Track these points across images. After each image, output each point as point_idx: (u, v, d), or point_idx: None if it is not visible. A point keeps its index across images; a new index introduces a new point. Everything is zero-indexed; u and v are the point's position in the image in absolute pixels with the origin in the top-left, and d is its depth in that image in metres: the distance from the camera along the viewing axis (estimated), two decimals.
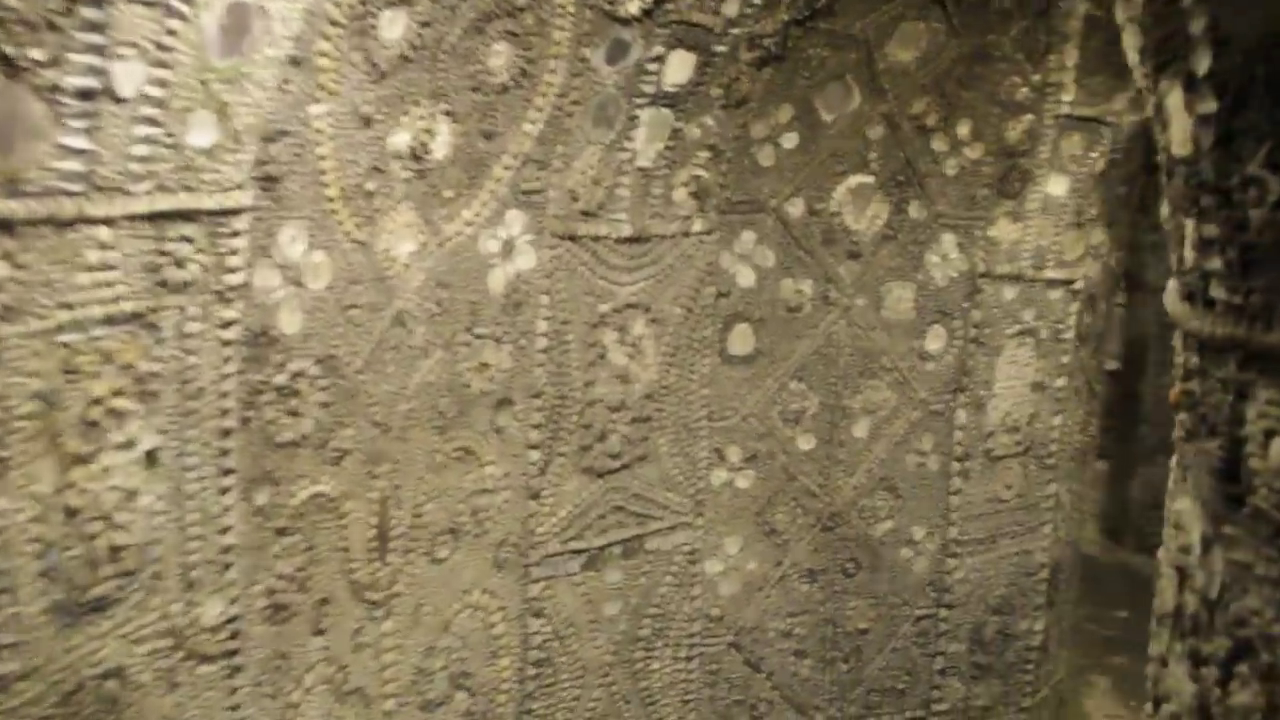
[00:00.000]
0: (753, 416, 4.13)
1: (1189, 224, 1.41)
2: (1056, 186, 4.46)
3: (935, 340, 4.38)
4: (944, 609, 4.63)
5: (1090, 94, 4.25)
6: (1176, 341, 1.54)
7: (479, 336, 3.25)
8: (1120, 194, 4.86)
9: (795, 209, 4.00)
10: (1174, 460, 1.61)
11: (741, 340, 4.08)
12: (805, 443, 4.24)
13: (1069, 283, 4.71)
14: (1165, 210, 1.54)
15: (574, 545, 3.63)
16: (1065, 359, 4.82)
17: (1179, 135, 1.38)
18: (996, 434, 4.62)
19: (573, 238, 3.40)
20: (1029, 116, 4.18)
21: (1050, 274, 4.60)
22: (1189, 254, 1.42)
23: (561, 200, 3.31)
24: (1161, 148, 1.47)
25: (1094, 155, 4.44)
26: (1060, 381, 4.82)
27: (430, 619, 3.19)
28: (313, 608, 2.70)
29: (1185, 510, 1.51)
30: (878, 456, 4.35)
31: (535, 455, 3.46)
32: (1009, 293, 4.51)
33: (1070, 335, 4.82)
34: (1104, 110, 4.34)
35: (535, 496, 3.47)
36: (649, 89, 3.33)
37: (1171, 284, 1.53)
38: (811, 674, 4.41)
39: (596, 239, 3.48)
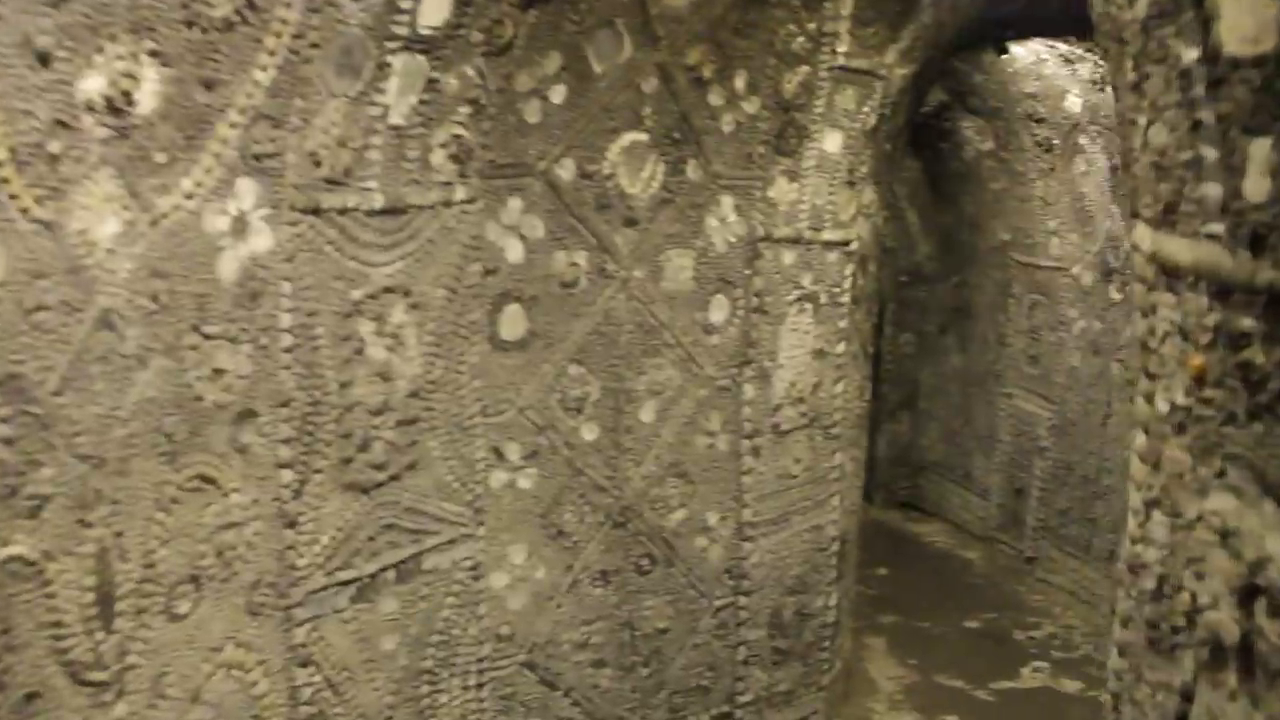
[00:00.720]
0: (531, 408, 3.67)
1: (1257, 145, 1.07)
2: (831, 143, 4.22)
3: (718, 311, 4.05)
4: (742, 596, 4.34)
5: (863, 46, 4.02)
6: (1191, 301, 1.20)
7: (209, 337, 2.63)
8: (886, 151, 4.70)
9: (566, 172, 3.56)
10: (1175, 447, 1.27)
11: (513, 323, 3.60)
12: (589, 432, 3.82)
13: (845, 244, 4.50)
14: (1171, 138, 1.19)
15: (342, 576, 3.06)
16: (843, 324, 4.62)
17: (1243, 28, 1.04)
18: (783, 407, 4.36)
19: (316, 211, 2.82)
20: (805, 68, 3.90)
21: (827, 235, 4.38)
22: (1258, 184, 1.08)
23: (302, 166, 2.73)
24: (1200, 54, 1.12)
25: (866, 110, 4.23)
26: (840, 347, 4.62)
27: (175, 690, 2.56)
28: (15, 709, 2.05)
29: (1237, 511, 1.18)
30: (666, 441, 3.99)
31: (288, 475, 2.87)
32: (788, 257, 4.25)
33: (847, 299, 4.62)
34: (877, 63, 4.12)
35: (292, 524, 2.88)
36: (401, 31, 2.79)
37: (1203, 227, 1.19)
38: (612, 684, 4.01)
39: (344, 212, 2.91)
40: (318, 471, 2.94)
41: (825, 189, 4.27)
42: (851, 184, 4.42)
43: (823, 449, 4.62)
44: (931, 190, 8.22)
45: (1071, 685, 5.93)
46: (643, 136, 3.66)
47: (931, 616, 6.73)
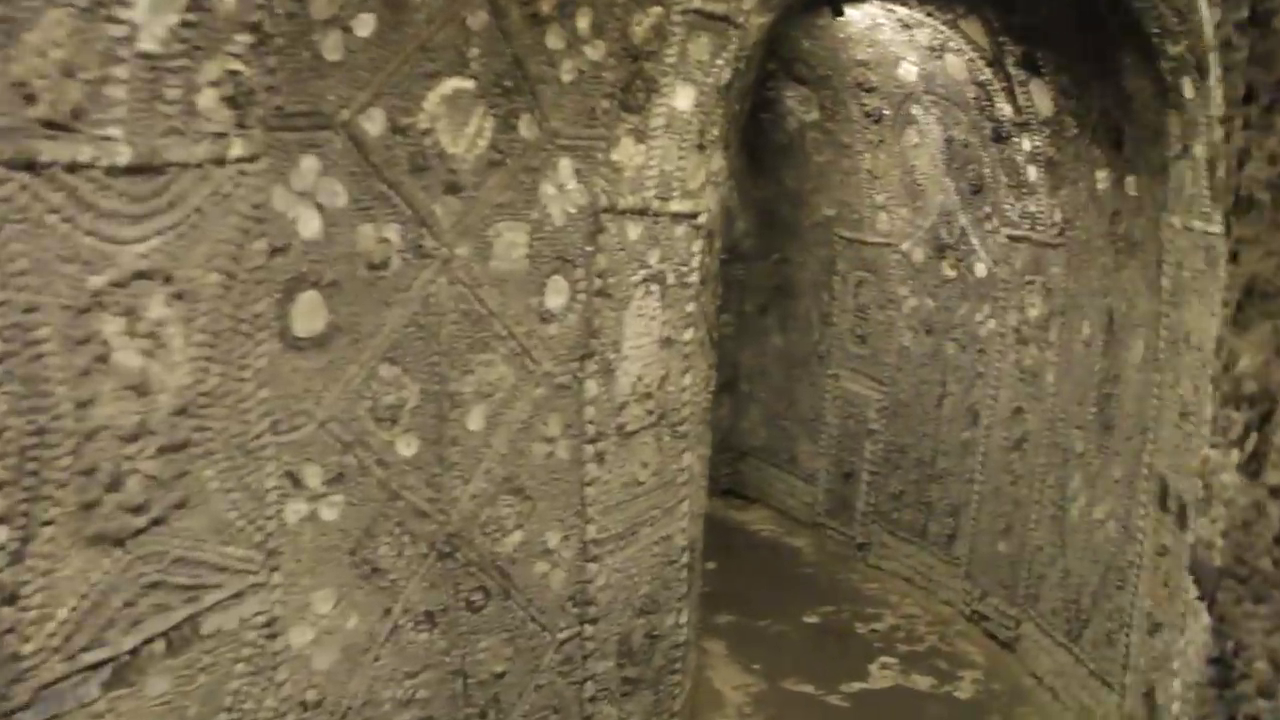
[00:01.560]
0: (334, 421, 2.93)
1: None
2: (683, 99, 3.64)
3: (556, 295, 3.42)
4: (588, 624, 3.73)
5: None
6: None
7: None
8: (736, 112, 4.16)
9: (374, 125, 2.83)
10: None
11: (310, 315, 2.86)
12: (407, 447, 3.12)
13: (693, 216, 3.94)
14: None
15: (89, 658, 2.27)
16: (691, 307, 4.07)
17: None
18: (629, 404, 3.77)
19: (31, 166, 2.03)
20: (657, 9, 3.30)
21: (675, 206, 3.80)
22: None
23: (9, 101, 1.94)
24: None
25: (720, 63, 3.66)
26: (688, 334, 4.06)
27: None
28: None
29: None
30: (498, 452, 3.33)
31: (2, 533, 2.08)
32: (634, 231, 3.65)
33: (695, 279, 4.06)
34: (734, 8, 3.56)
35: (12, 599, 2.10)
36: None
37: None
38: None
39: (75, 169, 2.13)
40: (48, 524, 2.15)
41: (675, 153, 3.69)
42: (702, 148, 3.85)
43: (671, 450, 4.06)
44: (750, 163, 7.79)
45: (923, 681, 5.59)
46: (468, 84, 2.97)
47: (769, 613, 6.31)
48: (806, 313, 7.66)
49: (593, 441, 3.60)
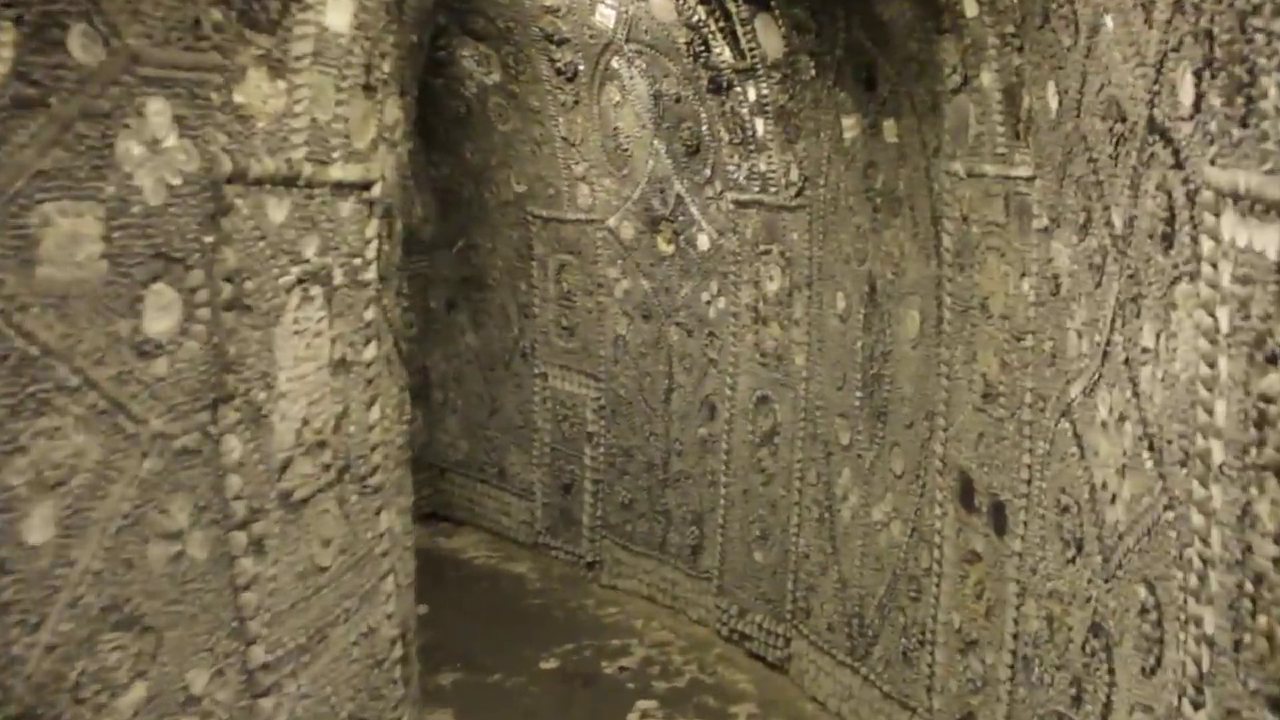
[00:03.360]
0: None
1: None
2: (336, 13, 2.47)
3: (161, 314, 2.15)
4: None
5: None
6: None
7: None
8: (414, 44, 3.02)
9: None
10: None
11: None
12: None
13: (365, 187, 2.77)
14: None
15: None
16: (370, 314, 2.91)
17: None
18: (295, 461, 2.57)
19: None
20: None
21: (338, 173, 2.62)
22: None
23: None
24: None
25: None
26: (370, 351, 2.91)
27: None
28: None
29: None
30: (88, 570, 2.06)
31: None
32: (278, 210, 2.44)
33: (373, 275, 2.91)
34: None
35: None
36: None
37: None
38: None
39: None
40: None
41: (330, 94, 2.51)
42: (369, 89, 2.69)
43: (362, 513, 2.89)
44: (425, 137, 6.63)
45: None
46: None
47: (499, 663, 5.21)
48: (502, 306, 6.61)
49: (244, 525, 2.38)
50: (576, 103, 5.64)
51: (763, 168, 4.74)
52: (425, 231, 7.01)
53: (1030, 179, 2.99)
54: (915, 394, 3.89)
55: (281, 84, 2.36)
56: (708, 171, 5.13)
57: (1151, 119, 2.16)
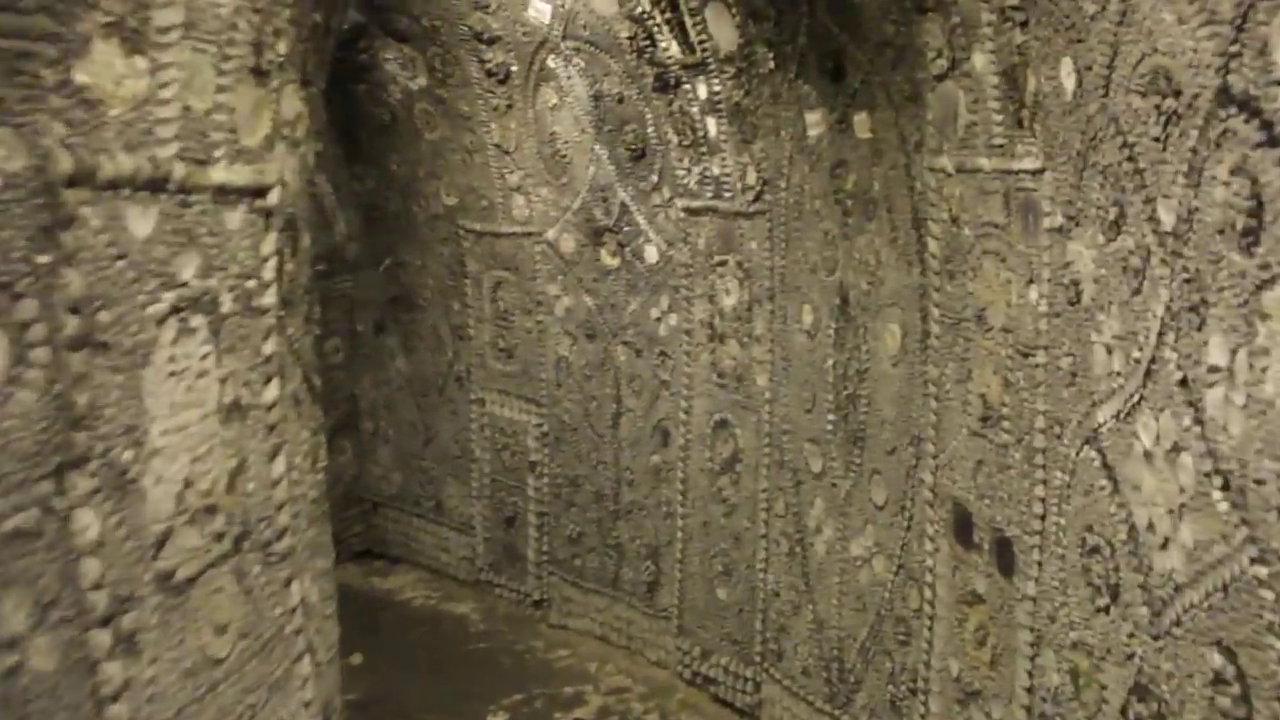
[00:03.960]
0: None
1: None
2: None
3: None
4: None
5: None
6: None
7: None
8: (317, 25, 2.53)
9: None
10: None
11: None
12: None
13: (257, 193, 2.27)
14: None
15: None
16: (270, 346, 2.38)
17: None
18: (176, 531, 2.05)
19: None
20: None
21: (222, 175, 2.12)
22: None
23: None
24: None
25: None
26: (271, 391, 2.39)
27: None
28: None
29: None
30: None
31: None
32: (142, 222, 1.93)
33: (272, 299, 2.40)
34: None
35: None
36: None
37: None
38: None
39: None
40: None
41: (209, 76, 2.01)
42: (261, 73, 2.19)
43: (267, 587, 2.37)
44: (348, 148, 6.12)
45: None
46: None
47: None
48: (435, 327, 6.10)
49: (108, 620, 1.87)
50: (510, 107, 5.16)
51: (716, 171, 4.30)
52: (350, 250, 6.47)
53: (1038, 172, 2.57)
54: (898, 417, 3.46)
55: (141, 62, 1.85)
56: (655, 177, 4.67)
57: (1225, 89, 1.74)
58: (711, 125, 4.21)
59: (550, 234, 5.30)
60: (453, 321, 5.97)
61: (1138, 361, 2.18)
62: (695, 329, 4.62)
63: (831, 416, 3.83)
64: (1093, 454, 2.43)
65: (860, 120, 3.43)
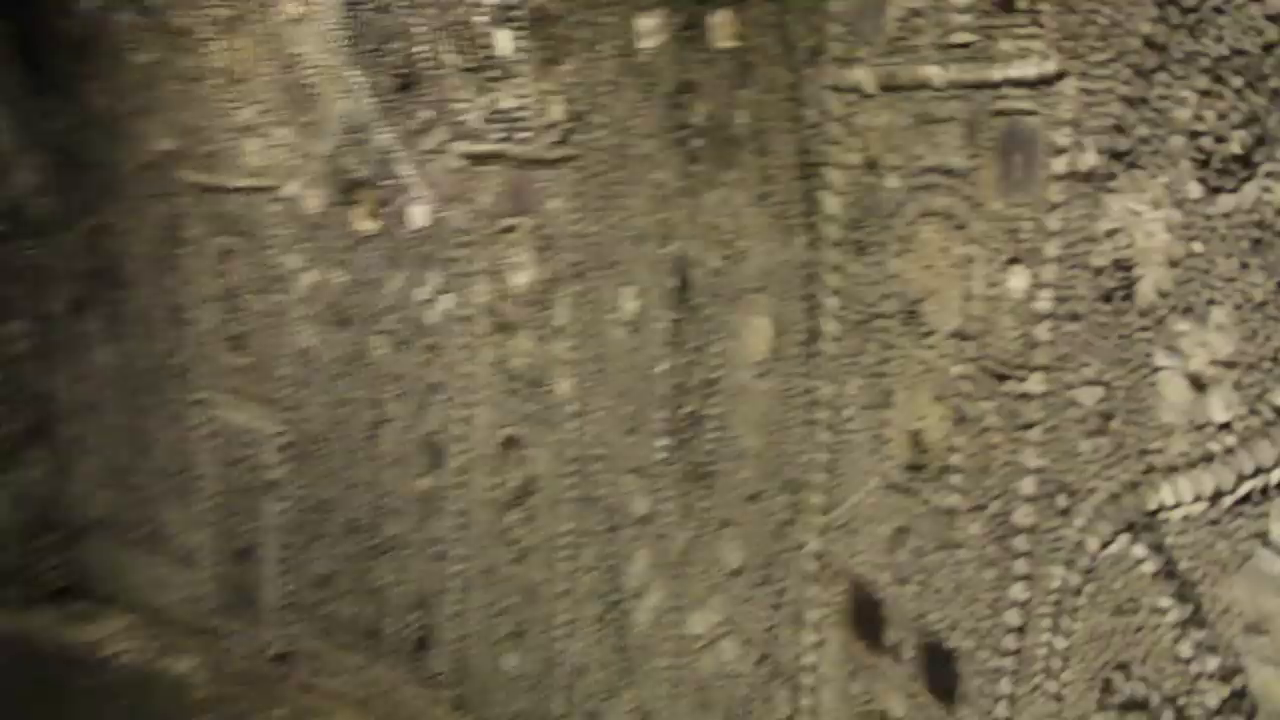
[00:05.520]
0: None
1: None
2: None
3: None
4: None
5: None
6: None
7: None
8: None
9: None
10: None
11: None
12: None
13: None
14: None
15: None
16: None
17: None
18: None
19: None
20: None
21: None
22: None
23: None
24: None
25: None
26: None
27: None
28: None
29: None
30: None
31: None
32: None
33: None
34: None
35: None
36: None
37: None
38: None
39: None
40: None
41: None
42: None
43: None
44: (31, 75, 4.74)
45: None
46: None
47: None
48: (147, 308, 4.79)
49: None
50: (238, 19, 3.87)
51: (508, 104, 3.13)
52: (38, 208, 5.06)
53: (1045, 81, 1.53)
54: (765, 450, 2.39)
55: None
56: (427, 113, 3.47)
57: None
58: (504, 40, 3.05)
59: (290, 189, 4.04)
60: (169, 301, 4.67)
61: (1277, 411, 1.18)
62: (476, 316, 3.47)
63: (664, 442, 2.74)
64: (1141, 551, 1.42)
65: (719, 22, 2.31)
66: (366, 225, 3.87)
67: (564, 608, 3.25)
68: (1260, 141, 1.17)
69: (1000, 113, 1.63)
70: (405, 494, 3.87)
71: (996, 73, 1.61)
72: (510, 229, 3.30)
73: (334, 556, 4.21)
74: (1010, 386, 1.65)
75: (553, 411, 3.22)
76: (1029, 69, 1.55)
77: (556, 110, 2.98)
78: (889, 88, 1.87)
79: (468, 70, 3.22)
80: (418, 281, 3.72)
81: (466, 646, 3.68)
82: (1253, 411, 1.22)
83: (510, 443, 3.42)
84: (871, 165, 1.95)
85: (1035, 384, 1.59)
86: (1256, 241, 1.19)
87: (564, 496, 3.19)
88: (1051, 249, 1.53)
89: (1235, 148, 1.20)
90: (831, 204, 2.07)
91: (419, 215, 3.66)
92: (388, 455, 3.93)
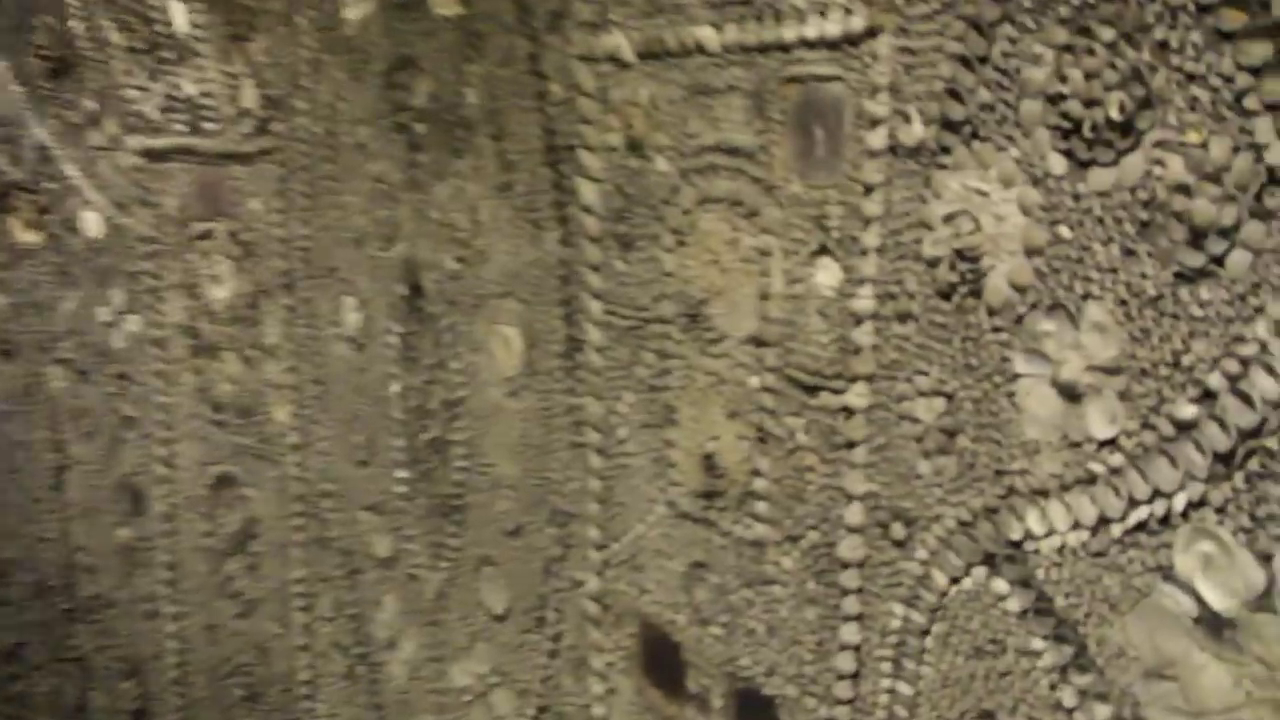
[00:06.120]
0: None
1: None
2: None
3: None
4: None
5: None
6: None
7: None
8: None
9: None
10: None
11: None
12: None
13: None
14: None
15: None
16: None
17: None
18: None
19: None
20: None
21: None
22: None
23: None
24: None
25: None
26: None
27: None
28: None
29: None
30: None
31: None
32: None
33: None
34: None
35: None
36: None
37: None
38: None
39: None
40: None
41: None
42: None
43: None
44: None
45: None
46: None
47: None
48: None
49: None
50: None
51: (190, 90, 2.58)
52: None
53: (849, 41, 1.25)
54: (525, 478, 2.04)
55: None
56: (90, 103, 2.84)
57: None
58: (178, 14, 2.50)
59: None
60: None
61: (1179, 427, 0.95)
62: (171, 338, 2.89)
63: (404, 473, 2.32)
64: (1002, 586, 1.17)
65: None
66: (27, 237, 3.20)
67: (304, 663, 2.76)
68: (1146, 104, 0.93)
69: (794, 79, 1.34)
70: (102, 547, 3.23)
71: (787, 32, 1.32)
72: (204, 235, 2.76)
73: (20, 625, 3.50)
74: (824, 400, 1.37)
75: (270, 444, 2.72)
76: (829, 26, 1.26)
77: (249, 96, 2.48)
78: (652, 55, 1.55)
79: (136, 51, 2.64)
80: (98, 300, 3.09)
81: (194, 714, 3.11)
82: (1146, 426, 0.98)
83: (223, 482, 2.88)
84: (635, 147, 1.62)
85: (857, 396, 1.32)
86: (1145, 224, 0.95)
87: (291, 540, 2.70)
88: (870, 238, 1.26)
89: (1112, 112, 0.96)
90: (588, 193, 1.73)
91: (92, 223, 3.03)
92: (77, 504, 3.27)
